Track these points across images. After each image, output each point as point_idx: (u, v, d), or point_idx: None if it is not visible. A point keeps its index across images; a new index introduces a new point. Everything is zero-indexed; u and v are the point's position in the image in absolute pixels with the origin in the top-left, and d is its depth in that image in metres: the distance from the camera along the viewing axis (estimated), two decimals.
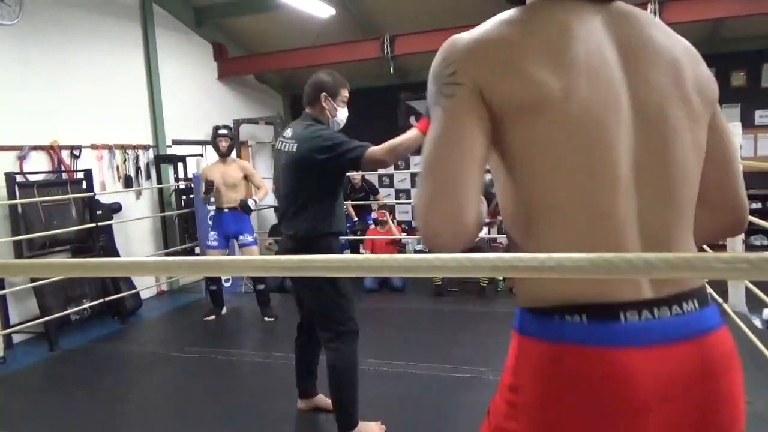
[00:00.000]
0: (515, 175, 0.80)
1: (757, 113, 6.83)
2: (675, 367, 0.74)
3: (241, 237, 4.65)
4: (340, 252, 4.27)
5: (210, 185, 4.51)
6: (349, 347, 2.43)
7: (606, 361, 0.73)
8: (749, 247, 6.27)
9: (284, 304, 4.85)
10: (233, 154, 4.81)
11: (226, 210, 4.59)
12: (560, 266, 0.44)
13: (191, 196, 5.95)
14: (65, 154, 5.03)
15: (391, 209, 6.67)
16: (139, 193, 5.88)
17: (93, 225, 4.79)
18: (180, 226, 6.23)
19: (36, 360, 4.05)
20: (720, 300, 3.81)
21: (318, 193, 2.37)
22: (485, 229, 5.53)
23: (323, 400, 2.76)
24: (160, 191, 6.12)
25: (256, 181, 4.68)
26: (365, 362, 2.51)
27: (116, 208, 5.34)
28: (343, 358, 2.41)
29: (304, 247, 2.37)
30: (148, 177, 5.97)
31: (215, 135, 4.60)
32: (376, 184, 7.22)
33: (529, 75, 0.74)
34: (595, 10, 0.81)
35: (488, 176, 0.93)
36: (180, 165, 6.29)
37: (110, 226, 5.18)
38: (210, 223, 5.04)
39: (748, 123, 6.13)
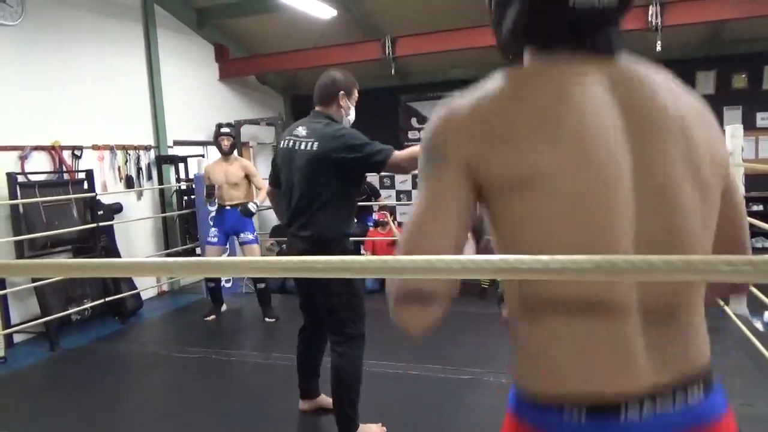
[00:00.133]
0: (508, 243, 0.75)
1: (759, 115, 6.82)
2: None
3: (242, 235, 4.65)
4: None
5: (211, 190, 4.54)
6: (357, 352, 2.43)
7: None
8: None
9: (285, 305, 4.84)
10: (235, 152, 4.82)
11: (228, 207, 4.60)
12: (564, 268, 0.44)
13: (192, 196, 5.95)
14: (67, 155, 5.03)
15: (392, 210, 6.67)
16: (140, 194, 5.88)
17: (94, 225, 4.79)
18: (181, 227, 6.23)
19: (37, 360, 4.05)
20: (721, 303, 3.81)
21: (340, 193, 2.34)
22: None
23: (326, 399, 2.76)
24: (162, 192, 6.13)
25: (257, 181, 4.69)
26: (366, 363, 2.51)
27: (117, 208, 5.34)
28: (350, 362, 2.40)
29: (322, 248, 2.29)
30: (150, 177, 5.97)
31: (218, 133, 4.61)
32: (377, 185, 7.22)
33: (521, 150, 0.70)
34: (597, 70, 0.75)
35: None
36: (181, 165, 6.30)
37: (111, 226, 5.18)
38: (211, 223, 5.05)
39: (749, 125, 6.13)
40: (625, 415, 0.69)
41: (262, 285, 4.61)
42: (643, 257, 0.44)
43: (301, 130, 2.39)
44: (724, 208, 0.79)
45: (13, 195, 4.34)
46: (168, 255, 5.75)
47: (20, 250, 4.38)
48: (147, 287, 5.55)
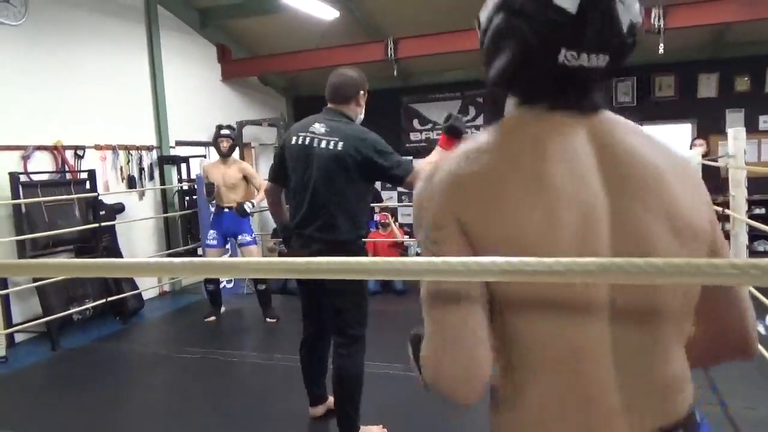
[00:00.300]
0: (494, 306, 0.75)
1: (761, 118, 6.81)
2: None
3: (240, 237, 4.65)
4: None
5: (210, 188, 4.56)
6: (360, 354, 2.43)
7: None
8: (753, 252, 6.25)
9: (286, 306, 4.84)
10: (235, 154, 4.82)
11: (225, 209, 4.60)
12: (569, 271, 0.44)
13: (194, 197, 5.95)
14: (69, 155, 5.04)
15: (393, 212, 6.67)
16: (142, 194, 5.89)
17: (96, 225, 4.80)
18: (183, 227, 6.24)
19: (38, 359, 4.05)
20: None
21: (358, 195, 2.32)
22: None
23: (332, 400, 2.76)
24: (164, 192, 6.13)
25: (256, 183, 4.68)
26: (367, 365, 2.50)
27: (119, 208, 5.35)
28: (354, 364, 2.40)
29: (340, 250, 2.23)
30: (152, 178, 5.97)
31: (217, 135, 4.61)
32: (379, 187, 7.22)
33: (506, 211, 0.71)
34: (577, 122, 0.75)
35: None
36: (183, 166, 6.30)
37: (113, 226, 5.19)
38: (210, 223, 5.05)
39: (752, 128, 6.11)
40: None
41: (263, 286, 4.61)
42: (648, 260, 0.44)
43: (319, 127, 2.32)
44: (720, 292, 0.78)
45: (15, 194, 4.35)
46: (169, 255, 5.76)
47: (22, 249, 4.38)
48: (148, 287, 5.56)
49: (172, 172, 6.23)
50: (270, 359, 3.75)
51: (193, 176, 6.20)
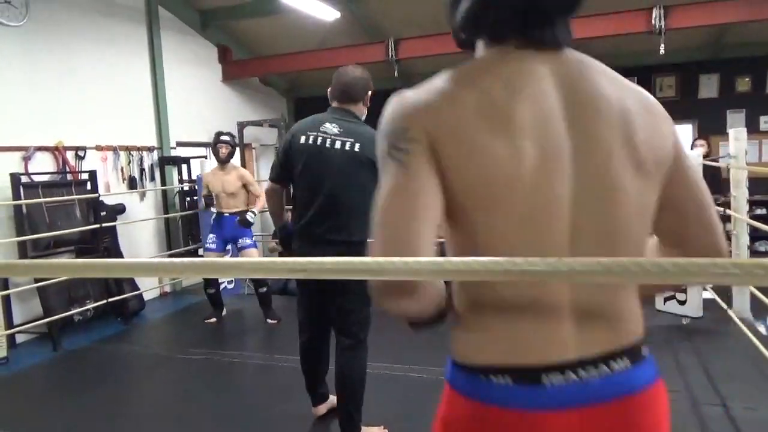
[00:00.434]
0: (454, 222, 0.79)
1: (762, 119, 6.81)
2: (598, 428, 0.75)
3: (240, 240, 4.64)
4: None
5: (209, 200, 4.56)
6: (365, 354, 2.41)
7: (527, 424, 0.75)
8: (754, 252, 6.25)
9: (287, 307, 4.84)
10: (235, 159, 4.81)
11: (226, 214, 4.59)
12: (572, 270, 0.44)
13: (195, 198, 5.95)
14: (70, 155, 5.04)
15: None
16: (143, 195, 5.89)
17: (97, 226, 4.80)
18: (184, 228, 6.24)
19: (39, 360, 4.05)
20: (725, 306, 3.79)
21: (371, 197, 2.31)
22: None
23: (334, 398, 2.76)
24: (164, 193, 6.13)
25: (254, 189, 4.66)
26: (368, 366, 2.50)
27: (120, 209, 5.35)
28: (359, 365, 2.39)
29: (351, 251, 2.20)
30: (152, 178, 5.98)
31: (216, 141, 4.59)
32: None
33: (472, 136, 0.74)
34: (544, 60, 0.78)
35: None
36: (184, 167, 6.31)
37: (114, 227, 5.19)
38: (210, 227, 5.05)
39: (752, 128, 6.12)
40: (549, 381, 0.74)
41: (263, 289, 4.60)
42: (653, 261, 0.44)
43: (332, 128, 2.27)
44: (679, 190, 0.82)
45: (16, 195, 4.35)
46: (171, 256, 5.76)
47: (23, 250, 4.39)
48: (149, 288, 5.56)
49: (173, 173, 6.23)
50: (271, 360, 3.74)
51: (193, 177, 6.20)
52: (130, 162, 5.68)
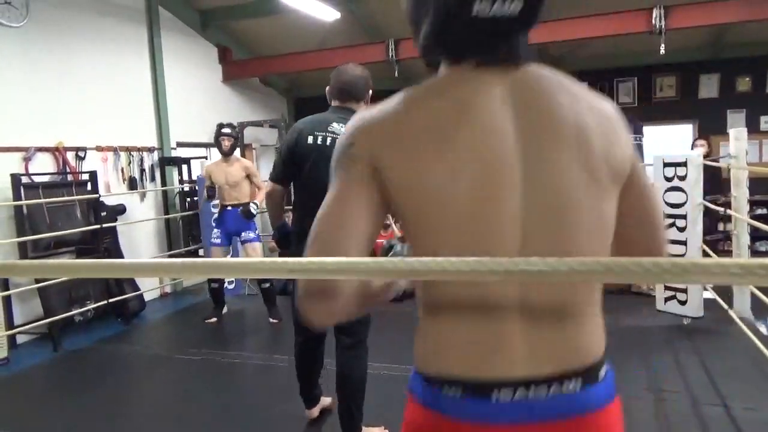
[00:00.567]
0: (411, 240, 0.82)
1: (762, 119, 6.80)
2: None
3: (243, 234, 4.65)
4: None
5: (211, 192, 4.56)
6: (366, 354, 2.42)
7: None
8: (754, 252, 6.24)
9: (288, 307, 4.83)
10: (237, 152, 4.82)
11: (229, 207, 4.60)
12: (572, 270, 0.44)
13: (195, 198, 5.95)
14: (70, 156, 5.04)
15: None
16: (143, 195, 5.89)
17: (97, 226, 4.80)
18: (184, 228, 6.24)
19: (39, 361, 4.05)
20: (725, 306, 3.79)
21: None
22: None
23: (326, 400, 2.75)
24: (165, 193, 6.13)
25: (257, 182, 4.68)
26: (369, 365, 2.50)
27: (121, 209, 5.35)
28: (361, 365, 2.39)
29: None
30: (153, 179, 5.98)
31: (218, 133, 4.60)
32: None
33: (417, 160, 0.76)
34: (499, 79, 0.79)
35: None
36: (184, 167, 6.31)
37: (115, 227, 5.19)
38: (213, 223, 5.05)
39: (753, 128, 6.11)
40: (497, 396, 0.76)
41: (267, 284, 4.61)
42: (654, 260, 0.44)
43: (339, 128, 2.23)
44: (631, 197, 0.84)
45: (17, 196, 4.35)
46: (171, 256, 5.76)
47: (24, 251, 4.39)
48: (149, 288, 5.56)
49: (173, 174, 6.23)
50: (271, 360, 3.74)
51: (194, 177, 6.20)
52: (130, 162, 5.68)
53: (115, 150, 5.49)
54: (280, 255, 5.63)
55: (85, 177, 5.01)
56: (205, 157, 6.60)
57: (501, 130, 0.76)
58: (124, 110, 5.63)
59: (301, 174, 2.30)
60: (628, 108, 7.12)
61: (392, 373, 3.32)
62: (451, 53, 0.82)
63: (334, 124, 2.26)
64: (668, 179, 3.98)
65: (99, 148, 5.33)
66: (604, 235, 0.81)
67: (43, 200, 4.48)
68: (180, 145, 6.38)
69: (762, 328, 3.79)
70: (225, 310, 4.94)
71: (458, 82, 0.80)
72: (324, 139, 2.25)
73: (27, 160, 4.63)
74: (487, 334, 0.78)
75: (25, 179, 4.51)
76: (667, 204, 3.97)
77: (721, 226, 5.61)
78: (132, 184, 5.67)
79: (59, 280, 4.25)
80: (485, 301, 0.78)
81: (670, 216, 3.95)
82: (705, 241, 4.09)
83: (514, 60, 0.80)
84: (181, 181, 6.27)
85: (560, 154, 0.76)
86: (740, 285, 3.86)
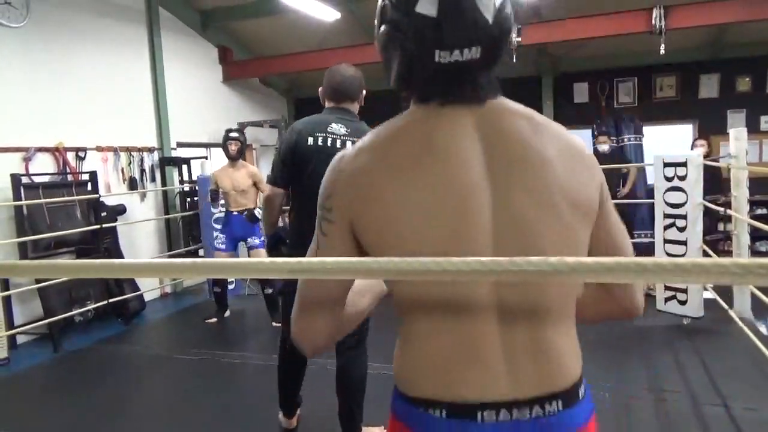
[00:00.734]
0: (388, 284, 0.86)
1: (762, 119, 6.80)
2: None
3: (249, 240, 4.65)
4: None
5: (215, 195, 4.56)
6: (366, 353, 2.42)
7: None
8: (754, 252, 6.25)
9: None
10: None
11: (235, 213, 4.60)
12: (572, 270, 0.44)
13: (195, 198, 5.95)
14: (70, 156, 5.05)
15: None
16: (143, 195, 5.89)
17: (97, 227, 4.80)
18: (184, 229, 6.24)
19: (40, 361, 4.05)
20: (725, 306, 3.79)
21: None
22: None
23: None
24: (165, 193, 6.14)
25: (263, 187, 4.68)
26: (369, 365, 2.50)
27: (121, 210, 5.35)
28: (362, 364, 2.39)
29: None
30: (153, 179, 5.98)
31: (226, 138, 4.61)
32: None
33: (386, 205, 0.78)
34: (465, 115, 0.81)
35: None
36: (184, 167, 6.30)
37: (115, 227, 5.19)
38: (216, 225, 5.05)
39: (753, 128, 6.11)
40: (481, 418, 0.78)
41: (270, 290, 4.60)
42: (654, 260, 0.44)
43: (339, 128, 2.22)
44: (600, 231, 0.86)
45: (17, 196, 4.35)
46: (171, 257, 5.76)
47: (24, 251, 4.39)
48: (149, 289, 5.56)
49: (174, 174, 6.23)
50: (271, 360, 3.73)
51: (194, 178, 6.20)
52: (130, 163, 5.68)
53: (115, 150, 5.49)
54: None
55: (85, 177, 5.01)
56: (205, 157, 6.60)
57: (468, 162, 0.79)
58: (124, 110, 5.63)
59: (302, 176, 2.27)
60: (628, 108, 7.12)
61: (392, 373, 3.32)
62: (417, 95, 0.85)
63: (333, 125, 2.25)
64: (668, 179, 3.98)
65: (99, 148, 5.33)
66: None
67: (43, 200, 4.48)
68: (180, 145, 6.38)
69: (762, 328, 3.79)
70: (227, 313, 4.93)
71: (424, 120, 0.83)
72: (324, 140, 2.23)
73: (27, 160, 4.63)
74: (468, 355, 0.79)
75: (25, 179, 4.52)
76: (667, 204, 3.97)
77: (721, 226, 5.61)
78: (132, 185, 5.67)
79: (59, 280, 4.25)
80: (465, 321, 0.79)
81: (670, 216, 3.95)
82: (705, 241, 4.09)
83: (477, 99, 0.82)
84: (181, 182, 6.27)
85: (527, 188, 0.79)
86: (739, 285, 3.86)
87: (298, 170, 2.27)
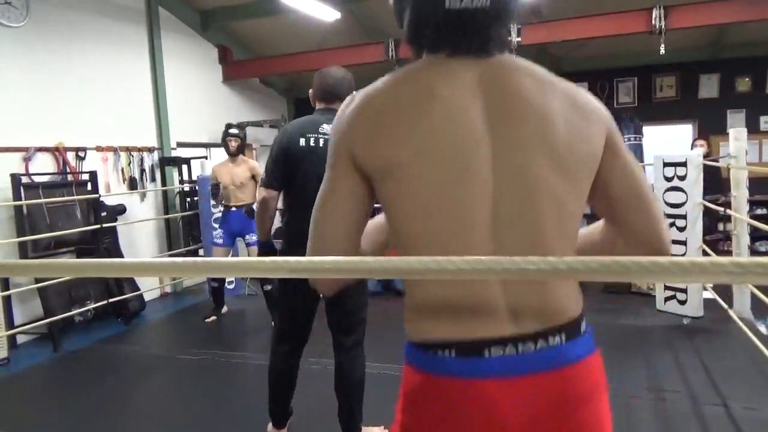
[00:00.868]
0: (390, 222, 0.89)
1: (762, 119, 6.80)
2: (536, 395, 0.82)
3: (247, 236, 4.65)
4: None
5: (216, 189, 4.55)
6: (363, 353, 2.42)
7: (471, 391, 0.82)
8: (754, 252, 6.24)
9: None
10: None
11: (233, 208, 4.60)
12: (571, 269, 0.44)
13: (195, 198, 5.95)
14: (70, 156, 5.05)
15: None
16: (143, 195, 5.89)
17: (97, 226, 4.80)
18: (184, 229, 6.24)
19: (39, 361, 4.05)
20: (725, 306, 3.79)
21: None
22: None
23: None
24: (165, 193, 6.14)
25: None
26: (368, 365, 2.50)
27: (121, 209, 5.35)
28: (362, 364, 2.40)
29: None
30: (153, 179, 5.98)
31: (225, 134, 4.62)
32: None
33: (388, 143, 0.83)
34: (471, 67, 0.85)
35: None
36: (184, 167, 6.30)
37: (115, 227, 5.19)
38: (215, 225, 5.05)
39: (753, 128, 6.11)
40: (489, 353, 0.82)
41: (269, 287, 4.60)
42: (652, 259, 0.44)
43: (329, 128, 2.22)
44: (614, 180, 0.89)
45: (17, 196, 4.35)
46: (171, 256, 5.76)
47: (24, 251, 4.39)
48: (149, 289, 5.56)
49: (174, 174, 6.23)
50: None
51: (194, 177, 6.20)
52: (130, 162, 5.68)
53: (115, 150, 5.49)
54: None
55: (85, 177, 5.01)
56: (205, 157, 6.60)
57: (469, 112, 0.82)
58: (124, 110, 5.63)
59: (296, 177, 2.27)
60: (628, 108, 7.12)
61: (392, 373, 3.32)
62: (427, 44, 0.88)
63: (325, 126, 2.26)
64: (668, 179, 3.99)
65: (99, 148, 5.33)
66: (573, 211, 0.86)
67: (43, 200, 4.48)
68: (180, 145, 6.38)
69: (762, 328, 3.80)
70: (225, 309, 4.94)
71: (429, 68, 0.87)
72: (316, 141, 2.25)
73: (27, 160, 4.63)
74: (472, 298, 0.83)
75: (25, 179, 4.51)
76: (667, 204, 3.97)
77: (720, 226, 5.61)
78: (132, 184, 5.67)
79: (59, 280, 4.25)
80: (470, 279, 0.82)
81: (669, 216, 3.95)
82: (705, 241, 4.09)
83: (485, 51, 0.85)
84: (181, 181, 6.27)
85: (526, 139, 0.82)
86: (737, 284, 3.86)
87: (291, 171, 2.28)
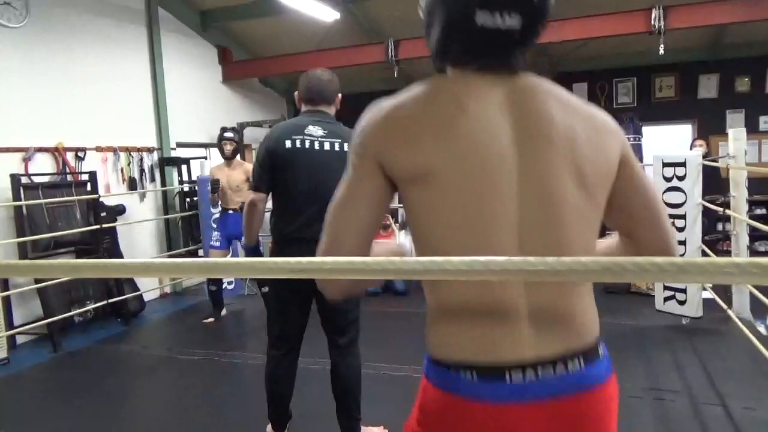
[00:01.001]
0: (413, 229, 0.90)
1: (762, 119, 6.81)
2: (554, 419, 0.84)
3: (243, 239, 4.65)
4: None
5: (216, 184, 4.56)
6: (358, 352, 2.43)
7: (493, 414, 0.84)
8: (753, 252, 6.25)
9: None
10: (238, 157, 4.83)
11: (230, 211, 4.61)
12: (571, 270, 0.44)
13: (195, 198, 5.95)
14: (70, 156, 5.05)
15: (393, 213, 6.67)
16: (143, 196, 5.89)
17: (97, 227, 4.80)
18: (184, 229, 6.24)
19: (39, 361, 4.05)
20: (724, 306, 3.80)
21: None
22: None
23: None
24: (164, 194, 6.14)
25: None
26: (367, 365, 2.51)
27: (120, 210, 5.35)
28: (357, 364, 2.40)
29: None
30: (153, 179, 5.98)
31: (221, 138, 4.62)
32: None
33: (418, 150, 0.84)
34: (498, 85, 0.87)
35: None
36: (184, 167, 6.30)
37: (114, 228, 5.19)
38: (214, 225, 5.05)
39: (752, 129, 6.12)
40: (509, 377, 0.83)
41: (266, 289, 4.60)
42: (650, 259, 0.44)
43: (316, 130, 2.25)
44: (628, 195, 0.93)
45: (16, 196, 4.35)
46: (171, 257, 5.76)
47: (23, 251, 4.39)
48: (149, 289, 5.56)
49: (173, 174, 6.23)
50: None
51: (193, 178, 6.20)
52: (130, 163, 5.68)
53: (114, 150, 5.49)
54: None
55: (85, 177, 5.01)
56: (205, 157, 6.60)
57: (497, 129, 0.84)
58: (124, 110, 5.63)
59: (284, 179, 2.27)
60: (627, 108, 7.12)
61: (392, 373, 3.32)
62: (454, 59, 0.90)
63: (310, 127, 2.27)
64: (667, 179, 3.99)
65: (99, 149, 5.33)
66: (592, 226, 0.89)
67: (42, 200, 4.48)
68: (180, 145, 6.38)
69: (761, 328, 3.80)
70: (224, 312, 4.94)
71: (459, 83, 0.88)
72: (302, 142, 2.25)
73: (27, 160, 4.63)
74: (496, 322, 0.84)
75: (25, 179, 4.51)
76: (666, 204, 3.97)
77: (720, 226, 5.62)
78: (132, 185, 5.67)
79: (59, 280, 4.25)
80: (492, 288, 0.84)
81: (669, 216, 3.94)
82: (704, 241, 4.09)
83: (512, 68, 0.88)
84: (181, 182, 6.27)
85: (551, 158, 0.84)
86: (736, 284, 3.86)
87: (278, 174, 2.28)
